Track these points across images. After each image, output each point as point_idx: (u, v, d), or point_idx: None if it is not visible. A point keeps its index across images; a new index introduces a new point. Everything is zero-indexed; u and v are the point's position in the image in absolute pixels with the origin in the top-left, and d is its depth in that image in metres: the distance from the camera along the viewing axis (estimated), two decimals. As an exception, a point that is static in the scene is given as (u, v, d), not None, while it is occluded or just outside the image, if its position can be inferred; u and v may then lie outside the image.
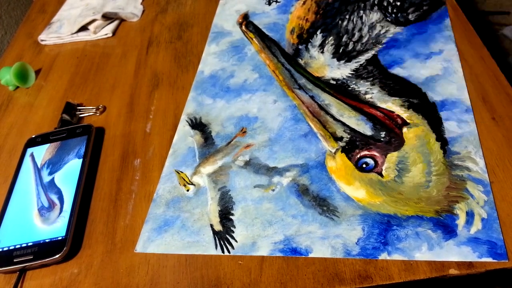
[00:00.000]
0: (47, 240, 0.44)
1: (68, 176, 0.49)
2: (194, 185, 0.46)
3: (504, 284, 0.60)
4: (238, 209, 0.43)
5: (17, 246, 0.44)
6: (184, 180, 0.47)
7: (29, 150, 0.53)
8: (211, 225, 0.43)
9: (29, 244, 0.44)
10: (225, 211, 0.43)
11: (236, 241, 0.41)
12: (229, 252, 0.40)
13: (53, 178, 0.49)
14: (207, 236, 0.42)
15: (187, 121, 0.53)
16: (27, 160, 0.52)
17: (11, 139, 0.58)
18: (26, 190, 0.49)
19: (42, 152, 0.53)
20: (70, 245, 0.44)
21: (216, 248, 0.41)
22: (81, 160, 0.50)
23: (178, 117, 0.54)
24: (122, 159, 0.52)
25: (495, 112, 0.44)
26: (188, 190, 0.46)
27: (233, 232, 0.42)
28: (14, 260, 0.43)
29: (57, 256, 0.43)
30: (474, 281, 0.59)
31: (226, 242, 0.41)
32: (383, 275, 0.36)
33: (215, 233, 0.42)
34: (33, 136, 0.55)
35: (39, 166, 0.51)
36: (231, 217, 0.43)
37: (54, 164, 0.51)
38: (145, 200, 0.47)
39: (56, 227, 0.45)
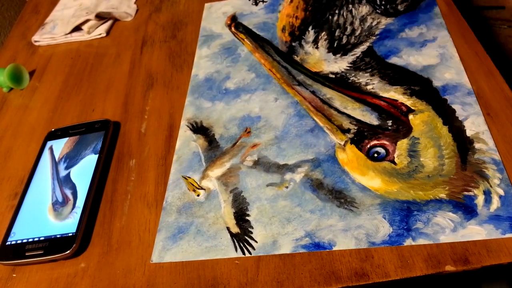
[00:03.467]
0: (58, 236, 0.44)
1: (83, 171, 0.49)
2: (204, 189, 0.45)
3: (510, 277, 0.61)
4: (254, 209, 0.42)
5: (30, 240, 0.44)
6: (193, 185, 0.46)
7: (49, 143, 0.53)
8: (228, 228, 0.42)
9: (41, 238, 0.44)
10: (240, 212, 0.43)
11: (256, 241, 0.40)
12: (250, 253, 0.39)
13: (69, 173, 0.49)
14: (225, 239, 0.41)
15: (187, 126, 0.52)
16: (46, 153, 0.52)
17: (6, 140, 0.57)
18: (43, 183, 0.49)
19: (61, 146, 0.52)
20: (79, 242, 0.43)
21: (236, 250, 0.40)
22: (97, 156, 0.50)
23: (173, 117, 0.54)
24: (117, 159, 0.51)
25: (490, 108, 0.44)
26: (198, 195, 0.45)
27: (252, 232, 0.41)
28: (26, 254, 0.43)
29: (66, 252, 0.42)
30: (476, 276, 0.60)
31: (245, 244, 0.40)
32: (380, 273, 0.36)
33: (233, 235, 0.41)
34: (53, 129, 0.55)
35: (56, 159, 0.51)
36: (247, 218, 0.42)
37: (71, 158, 0.51)
38: (141, 200, 0.46)
39: (67, 223, 0.45)
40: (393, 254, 0.36)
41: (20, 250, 0.44)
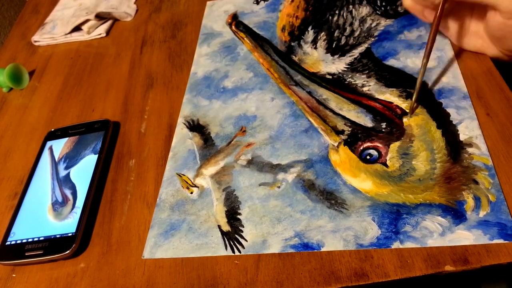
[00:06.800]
0: (57, 236, 0.44)
1: (83, 171, 0.49)
2: (197, 187, 0.46)
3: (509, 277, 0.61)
4: (245, 208, 0.43)
5: (29, 240, 0.44)
6: (187, 182, 0.46)
7: (48, 143, 0.54)
8: (219, 226, 0.42)
9: (41, 238, 0.44)
10: (232, 211, 0.43)
11: (246, 240, 0.40)
12: (239, 252, 0.40)
13: (68, 173, 0.50)
14: (215, 237, 0.41)
15: (184, 123, 0.52)
16: (46, 153, 0.52)
17: (5, 141, 0.58)
18: (43, 183, 0.49)
19: (61, 146, 0.53)
20: (79, 242, 0.43)
21: (226, 248, 0.40)
22: (96, 155, 0.50)
23: (173, 117, 0.54)
24: (117, 159, 0.51)
25: (490, 108, 0.44)
26: (191, 193, 0.46)
27: (242, 231, 0.41)
28: (26, 254, 0.43)
29: (66, 252, 0.43)
30: (474, 276, 0.59)
31: (235, 242, 0.41)
32: (379, 273, 0.36)
33: (223, 233, 0.41)
34: (53, 129, 0.55)
35: (56, 159, 0.51)
36: (238, 216, 0.42)
37: (71, 158, 0.51)
38: (141, 201, 0.47)
39: (67, 223, 0.45)
40: (393, 254, 0.37)
41: (20, 250, 0.44)
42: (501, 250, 0.35)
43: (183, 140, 0.51)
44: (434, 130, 0.43)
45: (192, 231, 0.42)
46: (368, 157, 0.43)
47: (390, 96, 0.47)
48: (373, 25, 0.56)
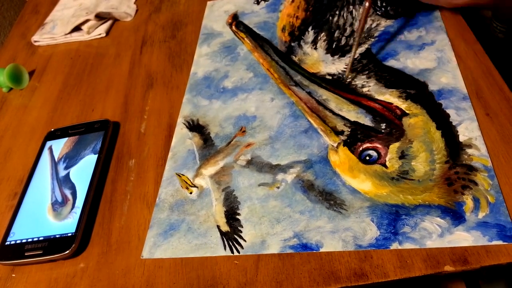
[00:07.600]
0: (57, 236, 0.44)
1: (83, 171, 0.49)
2: (196, 187, 0.46)
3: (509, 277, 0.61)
4: (244, 208, 0.43)
5: (29, 240, 0.44)
6: (186, 182, 0.47)
7: (48, 143, 0.54)
8: (218, 226, 0.42)
9: (40, 238, 0.44)
10: (231, 211, 0.43)
11: (245, 240, 0.40)
12: (238, 252, 0.40)
13: (68, 173, 0.50)
14: (214, 237, 0.41)
15: (184, 123, 0.52)
16: (45, 153, 0.53)
17: (5, 141, 0.58)
18: (42, 183, 0.49)
19: (60, 146, 0.53)
20: (78, 242, 0.43)
21: (225, 249, 0.40)
22: (96, 155, 0.50)
23: (172, 117, 0.54)
24: (117, 159, 0.51)
25: (489, 108, 0.44)
26: (191, 193, 0.46)
27: (241, 232, 0.41)
28: (25, 254, 0.43)
29: (65, 252, 0.43)
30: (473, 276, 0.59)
31: (234, 242, 0.41)
32: (379, 273, 0.36)
33: (222, 234, 0.41)
34: (53, 129, 0.55)
35: (56, 159, 0.51)
36: (237, 217, 0.42)
37: (71, 158, 0.51)
38: (140, 201, 0.47)
39: (67, 223, 0.45)
40: (392, 254, 0.37)
41: (20, 250, 0.44)
42: (500, 251, 0.35)
43: (183, 140, 0.51)
44: (434, 131, 0.43)
45: (191, 231, 0.42)
46: (367, 157, 0.43)
47: (390, 96, 0.47)
48: (373, 25, 0.56)
